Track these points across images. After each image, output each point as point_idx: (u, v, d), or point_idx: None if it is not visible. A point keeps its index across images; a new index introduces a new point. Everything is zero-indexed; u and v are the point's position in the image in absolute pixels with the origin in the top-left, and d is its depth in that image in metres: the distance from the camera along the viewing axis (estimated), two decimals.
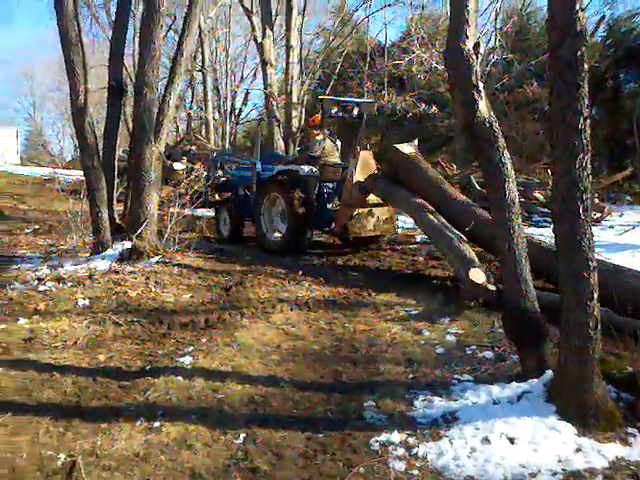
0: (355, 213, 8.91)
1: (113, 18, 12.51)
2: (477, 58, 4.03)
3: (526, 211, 11.90)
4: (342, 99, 10.71)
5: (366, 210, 8.99)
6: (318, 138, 9.86)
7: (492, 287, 5.99)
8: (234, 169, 11.97)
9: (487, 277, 6.06)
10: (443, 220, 7.09)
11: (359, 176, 8.77)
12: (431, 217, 7.18)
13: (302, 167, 9.51)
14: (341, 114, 10.08)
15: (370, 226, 9.09)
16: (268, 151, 16.29)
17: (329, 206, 9.68)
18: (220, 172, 12.91)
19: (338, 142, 10.35)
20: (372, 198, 8.96)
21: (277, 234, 9.58)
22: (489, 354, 4.88)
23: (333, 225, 9.42)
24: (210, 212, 12.13)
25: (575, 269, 3.50)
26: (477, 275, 6.03)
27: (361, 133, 10.19)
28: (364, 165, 8.87)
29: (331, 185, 9.87)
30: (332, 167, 9.72)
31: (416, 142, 8.89)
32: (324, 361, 4.87)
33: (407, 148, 8.56)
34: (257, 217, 9.78)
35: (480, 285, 6.00)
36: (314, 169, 9.53)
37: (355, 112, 10.15)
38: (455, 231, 6.84)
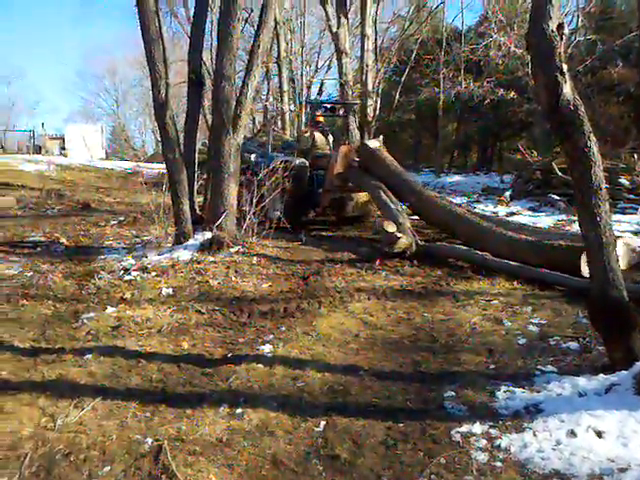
0: (338, 197, 10.76)
1: (192, 13, 12.80)
2: (560, 39, 3.89)
3: (611, 197, 11.49)
4: (327, 101, 12.97)
5: (345, 195, 10.77)
6: (306, 135, 11.60)
7: (400, 234, 7.81)
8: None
9: (397, 229, 7.95)
10: (391, 195, 9.23)
11: (339, 167, 10.46)
12: (382, 194, 9.28)
13: (295, 159, 10.85)
14: (329, 113, 12.22)
15: (349, 208, 10.98)
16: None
17: (320, 191, 11.09)
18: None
19: (330, 137, 12.02)
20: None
21: (276, 212, 10.37)
22: (574, 345, 4.76)
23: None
24: None
25: None
26: (389, 226, 7.97)
27: (345, 128, 12.32)
28: (343, 158, 10.49)
29: (322, 173, 11.17)
30: (321, 158, 11.20)
31: (381, 138, 10.98)
32: (403, 350, 4.85)
33: (374, 143, 10.59)
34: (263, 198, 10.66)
35: (391, 233, 7.83)
36: (305, 161, 10.92)
37: (341, 111, 12.78)
38: (399, 204, 9.04)
